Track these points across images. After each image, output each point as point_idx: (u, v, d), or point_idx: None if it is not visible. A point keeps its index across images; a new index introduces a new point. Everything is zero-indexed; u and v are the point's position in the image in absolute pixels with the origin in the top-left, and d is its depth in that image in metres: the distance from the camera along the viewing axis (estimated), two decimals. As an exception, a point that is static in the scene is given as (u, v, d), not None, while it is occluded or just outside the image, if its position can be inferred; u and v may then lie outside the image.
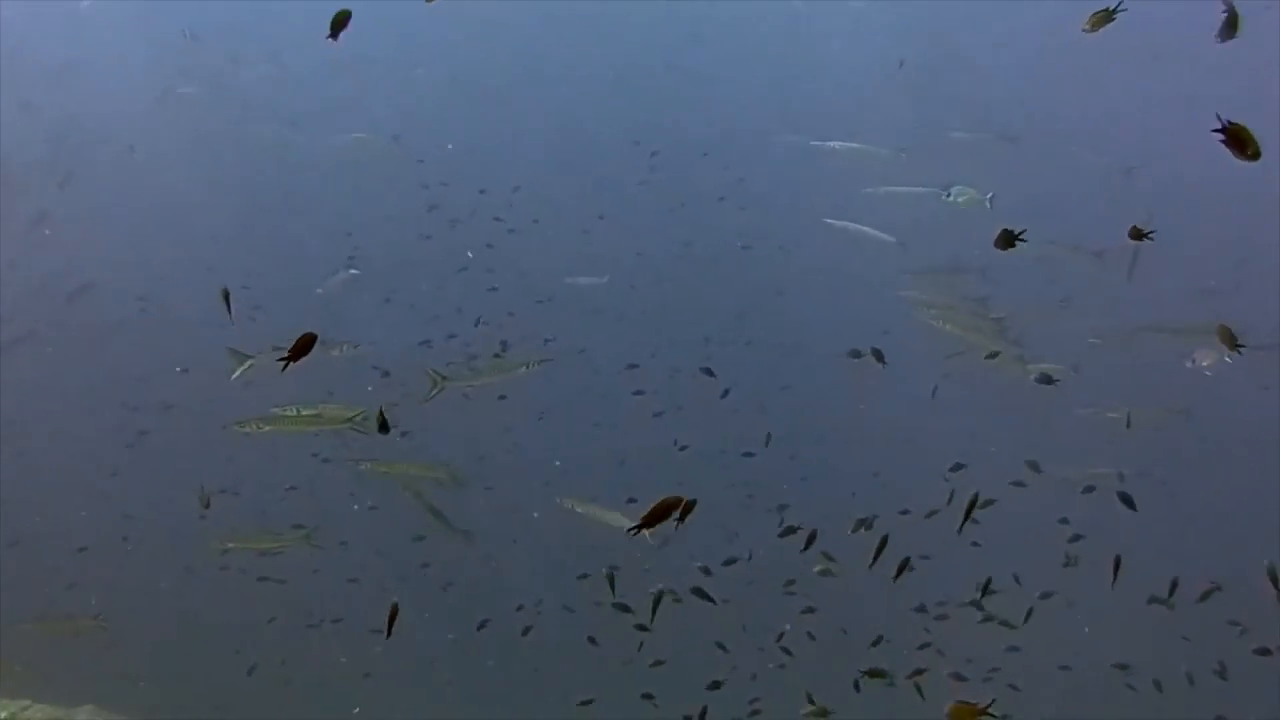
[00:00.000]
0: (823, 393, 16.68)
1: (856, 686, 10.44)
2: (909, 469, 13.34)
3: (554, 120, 21.81)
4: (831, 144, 15.96)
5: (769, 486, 13.20)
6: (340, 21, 5.91)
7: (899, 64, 18.01)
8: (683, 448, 14.15)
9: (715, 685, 8.93)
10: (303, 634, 13.32)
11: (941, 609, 11.63)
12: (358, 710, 13.06)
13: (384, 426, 6.77)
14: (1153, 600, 10.96)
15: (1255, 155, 4.54)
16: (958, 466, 10.83)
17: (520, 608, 12.53)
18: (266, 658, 12.94)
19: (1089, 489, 11.23)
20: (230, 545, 10.05)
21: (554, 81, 22.50)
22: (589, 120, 21.73)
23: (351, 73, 19.82)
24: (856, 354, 11.24)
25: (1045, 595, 10.99)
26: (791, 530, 10.53)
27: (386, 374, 13.22)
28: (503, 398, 12.89)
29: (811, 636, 11.69)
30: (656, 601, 8.56)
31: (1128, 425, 11.36)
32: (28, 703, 11.91)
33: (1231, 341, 6.84)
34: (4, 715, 11.25)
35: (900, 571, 8.59)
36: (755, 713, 10.40)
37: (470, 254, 16.83)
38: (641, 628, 10.83)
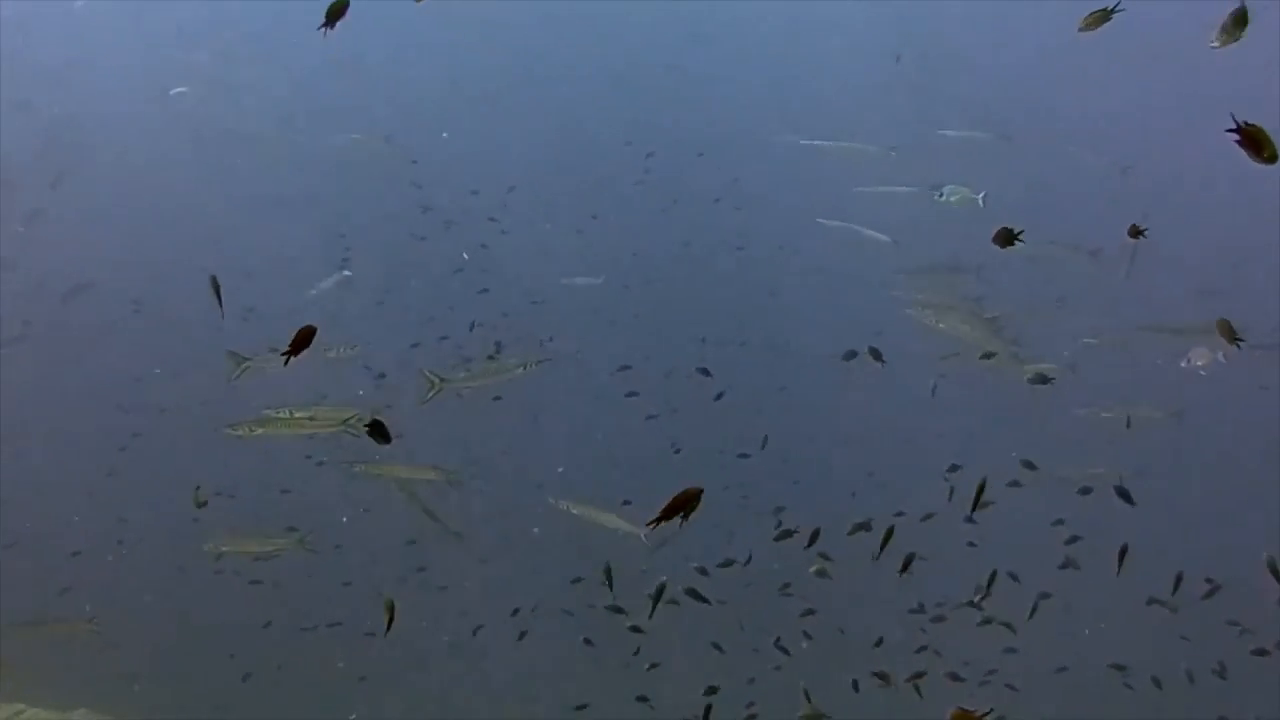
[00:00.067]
0: (818, 394, 16.66)
1: (855, 687, 10.43)
2: (905, 470, 13.33)
3: (548, 121, 21.76)
4: (820, 143, 15.97)
5: (765, 488, 13.18)
6: (336, 11, 5.78)
7: (896, 59, 18.02)
8: (677, 450, 14.13)
9: (712, 690, 8.89)
10: (298, 637, 13.28)
11: (939, 610, 11.62)
12: (354, 717, 13.01)
13: (384, 435, 6.66)
14: (1152, 601, 10.96)
15: (1272, 158, 4.43)
16: (954, 468, 10.82)
17: (516, 611, 12.49)
18: (262, 661, 12.89)
19: (1086, 490, 11.21)
20: (225, 549, 9.99)
21: (548, 82, 22.45)
22: (583, 121, 21.70)
23: (346, 73, 19.78)
24: (851, 355, 11.22)
25: (1043, 596, 10.96)
26: (788, 534, 10.52)
27: (382, 376, 13.19)
28: (497, 398, 12.86)
29: (808, 636, 11.68)
30: (659, 593, 8.52)
31: (1127, 426, 11.34)
32: (22, 707, 11.86)
33: (1231, 335, 6.79)
34: (-1, 719, 11.22)
35: (905, 566, 8.57)
36: (751, 717, 10.35)
37: (466, 255, 16.80)
38: (636, 629, 10.81)
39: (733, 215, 18.87)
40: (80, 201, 17.76)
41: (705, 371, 13.62)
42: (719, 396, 13.95)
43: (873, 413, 16.58)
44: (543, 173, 19.44)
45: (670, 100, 21.55)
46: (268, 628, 13.08)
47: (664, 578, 8.83)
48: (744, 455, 13.58)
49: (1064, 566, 11.13)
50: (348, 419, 8.15)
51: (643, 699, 11.11)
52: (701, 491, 4.88)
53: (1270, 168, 4.47)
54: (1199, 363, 9.87)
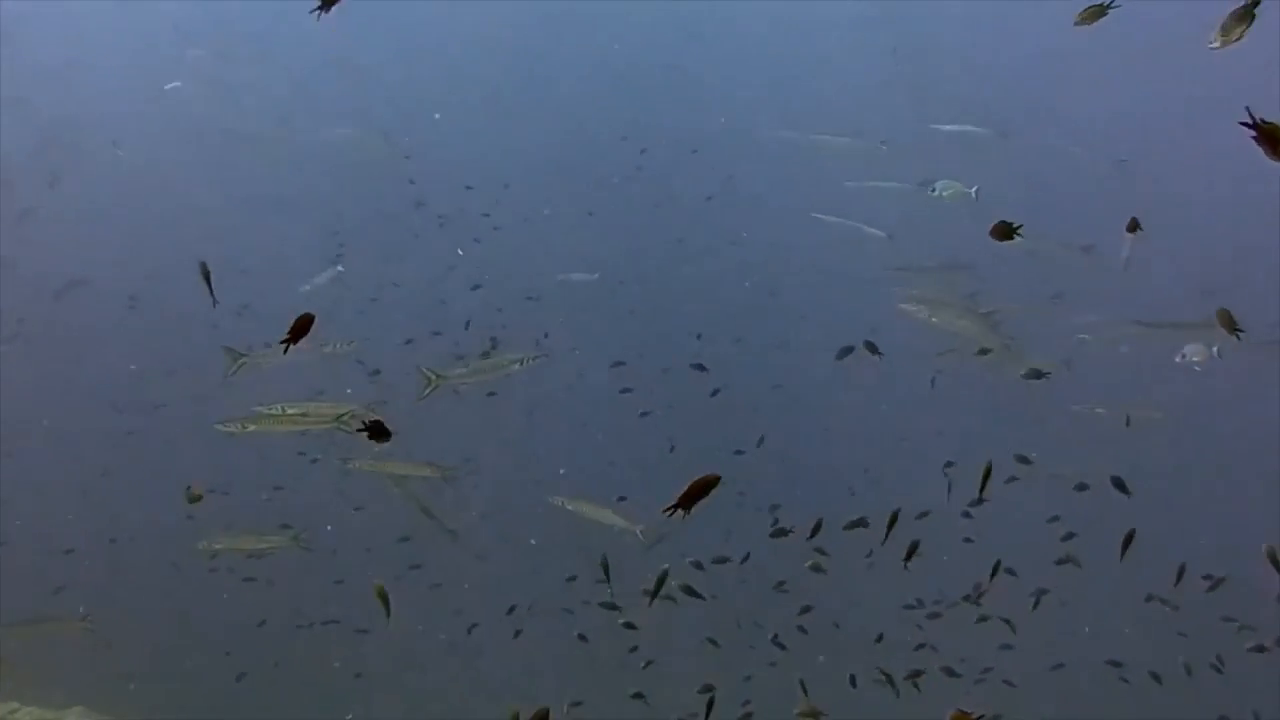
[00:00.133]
0: (815, 390, 16.67)
1: (853, 683, 10.43)
2: (902, 466, 13.33)
3: (543, 117, 21.74)
4: (814, 136, 15.96)
5: (761, 485, 13.16)
6: None
7: (893, 51, 18.00)
8: (672, 447, 14.12)
9: (708, 688, 8.86)
10: (294, 635, 13.26)
11: (937, 606, 11.62)
12: (350, 717, 13.00)
13: (383, 434, 6.58)
14: (1150, 598, 10.96)
15: None
16: (950, 464, 10.81)
17: (512, 609, 12.47)
18: (258, 660, 12.87)
19: (1082, 486, 11.20)
20: (219, 546, 9.94)
21: (542, 79, 22.41)
22: (578, 117, 21.66)
23: (340, 71, 19.74)
24: (846, 352, 11.20)
25: (1041, 592, 10.97)
26: (784, 532, 10.51)
27: (376, 372, 13.16)
28: (492, 394, 12.84)
29: (803, 631, 11.68)
30: (660, 581, 8.48)
31: (1127, 424, 11.33)
32: (16, 705, 11.83)
33: (1231, 326, 6.76)
34: (-7, 718, 11.19)
35: (909, 555, 8.54)
36: (748, 715, 10.34)
37: (460, 251, 16.77)
38: (630, 625, 10.80)
39: (728, 211, 18.86)
40: (75, 199, 17.72)
41: (701, 367, 13.61)
42: (715, 393, 13.94)
43: (869, 409, 16.60)
44: (537, 169, 19.42)
45: (664, 97, 21.51)
46: (263, 626, 13.07)
47: (665, 565, 8.78)
48: (739, 452, 13.57)
49: (1061, 562, 11.14)
50: (341, 415, 8.11)
51: (638, 696, 11.09)
52: (719, 479, 4.84)
53: (1272, 167, 4.37)
54: (1194, 359, 9.83)
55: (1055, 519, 11.71)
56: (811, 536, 9.89)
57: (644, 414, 14.61)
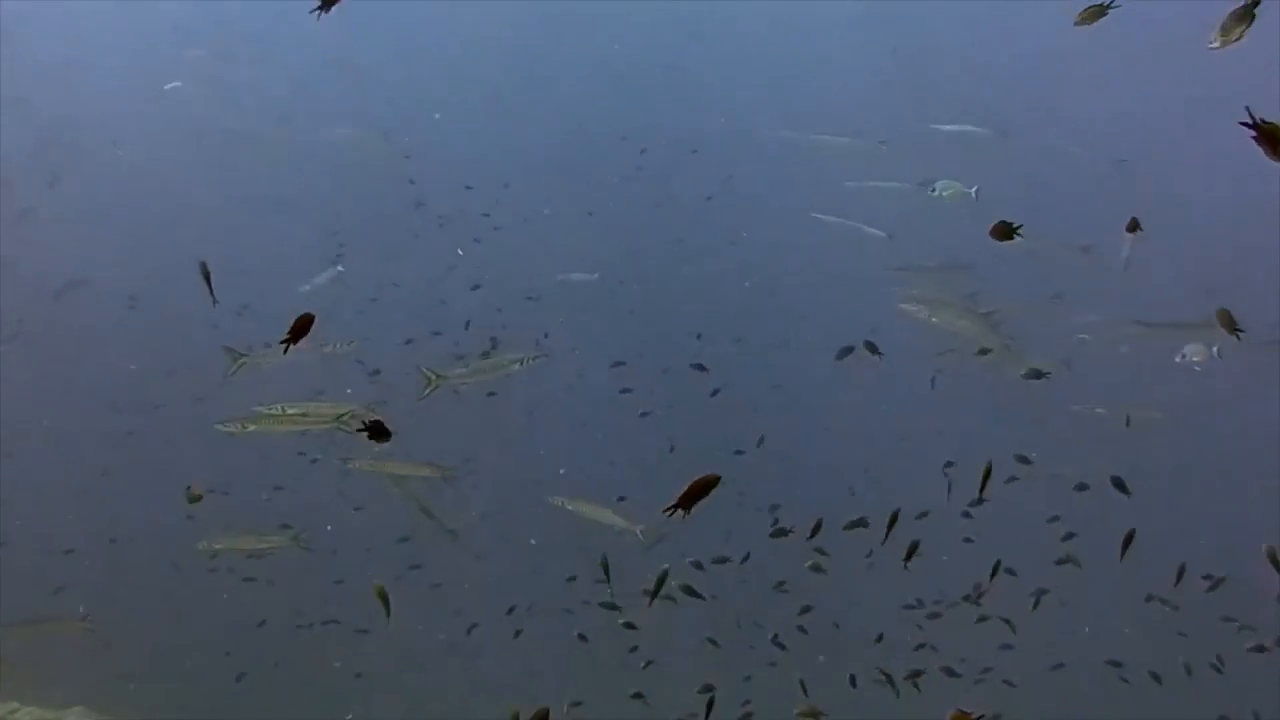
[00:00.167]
0: (815, 390, 16.66)
1: (853, 682, 10.43)
2: (902, 466, 13.33)
3: (542, 117, 21.73)
4: (813, 136, 15.95)
5: (761, 485, 13.16)
6: None
7: (893, 51, 17.99)
8: (672, 447, 14.12)
9: (708, 688, 8.86)
10: (294, 635, 13.25)
11: (937, 607, 11.62)
12: (350, 717, 12.99)
13: (384, 434, 6.57)
14: (1150, 598, 10.95)
15: None
16: (949, 464, 10.80)
17: (512, 610, 12.47)
18: (258, 660, 12.86)
19: (1082, 486, 11.20)
20: (219, 547, 9.93)
21: (542, 78, 22.41)
22: (577, 117, 21.66)
23: (340, 71, 19.74)
24: (846, 352, 11.20)
25: (1041, 592, 10.96)
26: (784, 532, 10.50)
27: (376, 372, 13.15)
28: (492, 394, 12.83)
29: (803, 631, 11.67)
30: (661, 580, 8.48)
31: (1127, 424, 11.32)
32: (16, 705, 11.82)
33: (1231, 326, 6.76)
34: (-7, 718, 11.18)
35: (910, 554, 8.54)
36: (747, 715, 10.33)
37: (460, 251, 16.76)
38: (630, 625, 10.79)
39: (728, 211, 18.85)
40: (75, 199, 17.72)
41: (701, 367, 13.61)
42: (714, 393, 13.94)
43: (869, 410, 16.59)
44: (537, 169, 19.41)
45: (664, 97, 21.51)
46: (263, 626, 13.06)
47: (666, 565, 8.78)
48: (739, 452, 13.57)
49: (1061, 562, 11.13)
50: (341, 415, 8.10)
51: (638, 696, 11.09)
52: (719, 479, 4.84)
53: (1272, 166, 4.35)
54: (1194, 359, 9.82)
55: (1055, 519, 11.71)
56: (812, 536, 9.90)
57: (644, 414, 14.61)
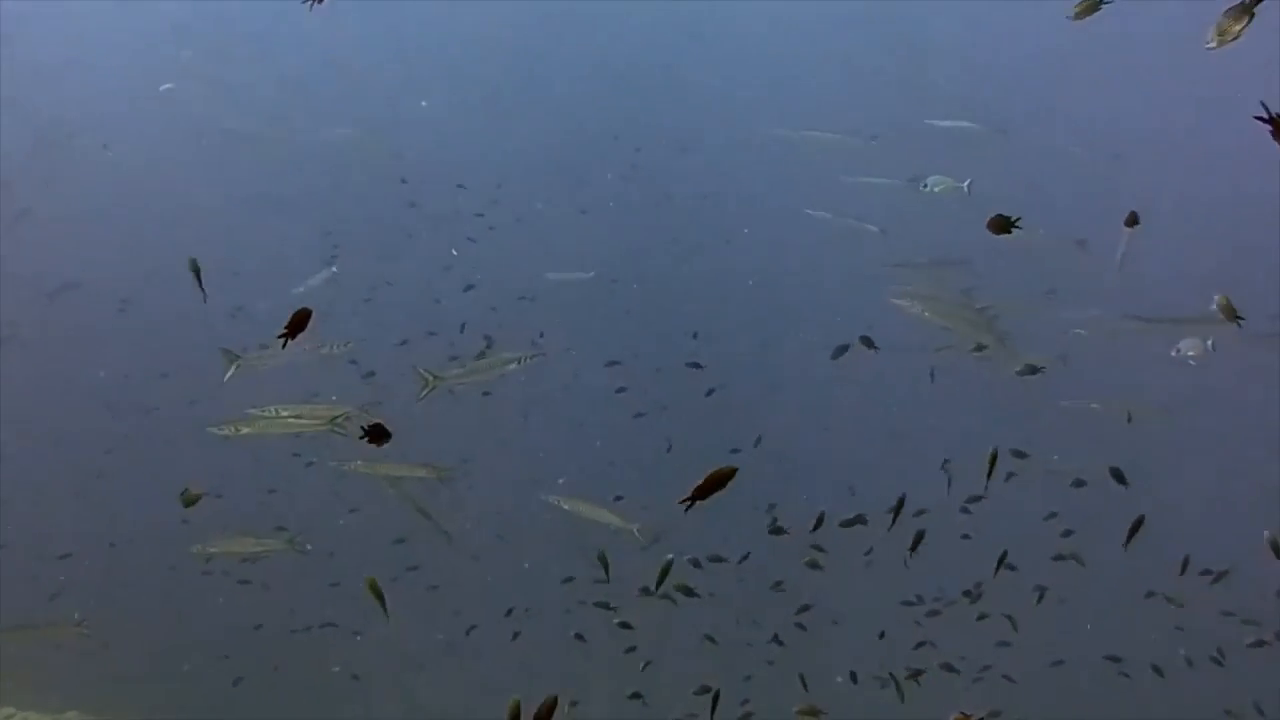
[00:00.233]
0: (811, 388, 16.65)
1: (853, 679, 10.42)
2: (899, 464, 13.30)
3: (536, 116, 21.70)
4: (806, 133, 15.93)
5: (758, 484, 13.16)
6: None
7: (891, 49, 17.99)
8: (669, 447, 14.09)
9: (705, 689, 8.85)
10: (291, 638, 13.22)
11: (936, 604, 11.61)
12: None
13: (384, 437, 6.55)
14: (1150, 594, 10.95)
15: None
16: (947, 461, 10.80)
17: (510, 612, 12.46)
18: (255, 663, 12.83)
19: (1080, 482, 11.19)
20: (213, 550, 9.89)
21: (535, 77, 22.38)
22: (571, 116, 21.63)
23: (334, 70, 19.70)
24: (842, 350, 11.19)
25: (1041, 590, 10.96)
26: (782, 530, 10.49)
27: (371, 374, 13.11)
28: (487, 394, 12.80)
29: (801, 628, 11.66)
30: (666, 570, 8.47)
31: (1129, 420, 11.31)
32: (12, 710, 11.80)
33: (1232, 314, 6.75)
34: (-12, 723, 11.15)
35: (915, 544, 8.53)
36: (747, 716, 10.32)
37: (455, 251, 16.72)
38: (626, 625, 10.78)
39: (723, 209, 18.85)
40: (70, 200, 17.69)
41: (696, 365, 13.59)
42: (710, 392, 13.92)
43: (866, 407, 16.57)
44: (531, 168, 19.38)
45: (657, 95, 21.49)
46: (260, 629, 13.03)
47: (670, 555, 8.76)
48: (735, 451, 13.54)
49: (1060, 558, 11.12)
50: (336, 417, 8.06)
51: (636, 696, 11.08)
52: (735, 471, 4.80)
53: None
54: (1190, 353, 9.80)
55: (1053, 515, 11.70)
56: (815, 529, 9.86)
57: (639, 415, 14.59)
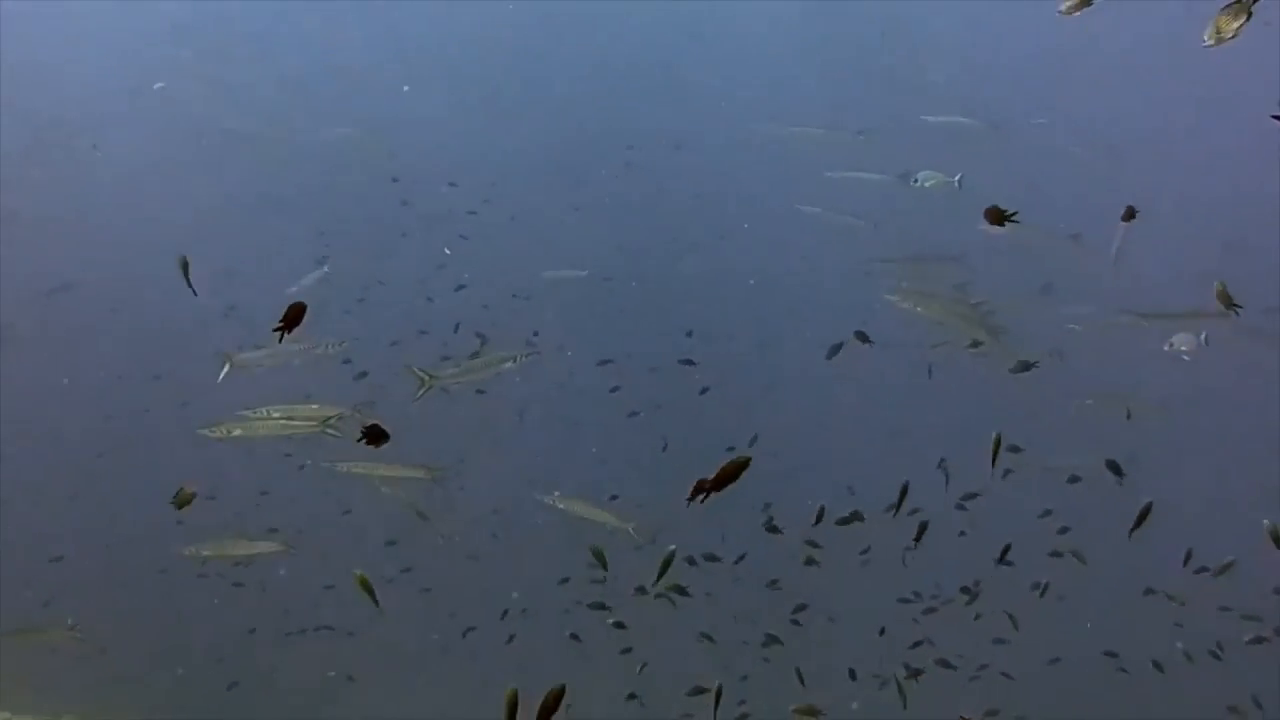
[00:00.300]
0: (806, 386, 16.62)
1: (852, 675, 10.40)
2: (895, 462, 13.27)
3: (529, 114, 21.65)
4: (798, 129, 15.90)
5: (753, 483, 13.12)
6: None
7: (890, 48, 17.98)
8: (664, 446, 14.07)
9: (700, 690, 8.82)
10: (285, 640, 13.19)
11: (933, 601, 11.59)
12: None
13: (382, 438, 6.52)
14: (1149, 591, 10.93)
15: None
16: (943, 460, 10.78)
17: (505, 613, 12.42)
18: (250, 666, 12.81)
19: (1075, 478, 11.17)
20: (206, 553, 9.85)
21: (528, 75, 22.33)
22: (564, 114, 21.59)
23: (329, 70, 19.64)
24: (836, 349, 11.17)
25: (1042, 586, 10.93)
26: (776, 529, 10.47)
27: (364, 374, 13.07)
28: (481, 392, 12.76)
29: (797, 624, 11.63)
30: (667, 561, 8.45)
31: (1128, 417, 11.30)
32: (9, 716, 11.77)
33: (1228, 301, 6.73)
34: (-16, 727, 11.13)
35: (920, 535, 8.51)
36: (744, 716, 10.31)
37: (448, 250, 16.67)
38: (620, 625, 10.75)
39: (718, 207, 18.80)
40: (64, 200, 17.63)
41: (689, 362, 13.55)
42: (704, 391, 13.89)
43: (861, 404, 16.54)
44: (524, 166, 19.33)
45: (652, 93, 21.45)
46: (254, 633, 13.00)
47: (672, 546, 8.72)
48: (731, 449, 13.50)
49: (1056, 555, 11.10)
50: (328, 419, 8.01)
51: (633, 697, 11.05)
52: (749, 460, 4.76)
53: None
54: (1183, 348, 9.78)
55: (1049, 513, 11.68)
56: (817, 522, 9.83)
57: (634, 413, 14.56)
